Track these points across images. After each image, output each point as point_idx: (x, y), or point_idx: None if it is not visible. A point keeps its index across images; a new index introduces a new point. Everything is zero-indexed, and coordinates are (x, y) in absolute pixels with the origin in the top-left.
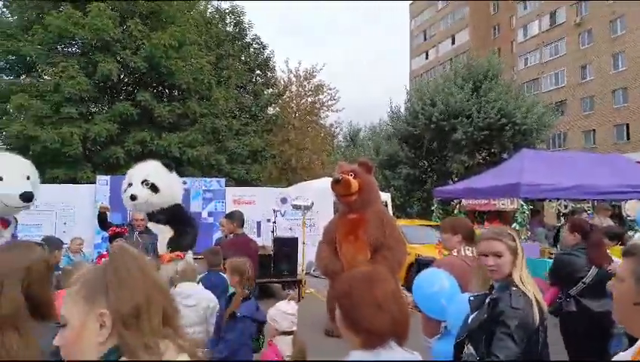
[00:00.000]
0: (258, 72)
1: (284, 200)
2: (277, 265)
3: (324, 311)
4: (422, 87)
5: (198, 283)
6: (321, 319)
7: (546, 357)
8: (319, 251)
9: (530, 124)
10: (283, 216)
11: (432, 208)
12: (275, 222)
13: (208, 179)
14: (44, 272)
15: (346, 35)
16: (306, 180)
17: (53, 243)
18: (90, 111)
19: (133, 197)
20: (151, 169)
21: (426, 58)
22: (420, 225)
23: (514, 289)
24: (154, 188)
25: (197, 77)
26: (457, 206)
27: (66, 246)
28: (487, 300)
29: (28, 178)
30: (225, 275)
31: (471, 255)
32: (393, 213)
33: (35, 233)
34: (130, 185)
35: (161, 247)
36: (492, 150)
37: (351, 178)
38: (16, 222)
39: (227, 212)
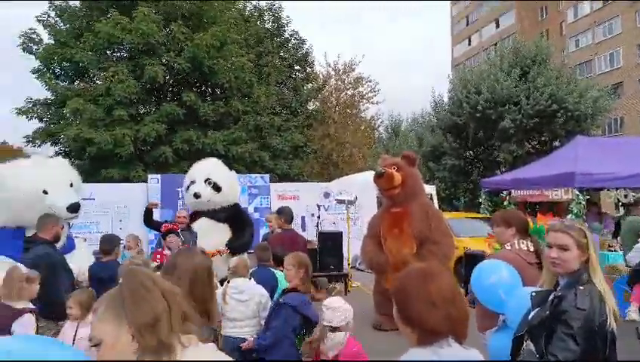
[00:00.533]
0: (297, 67)
1: (327, 195)
2: (322, 259)
3: (371, 305)
4: (465, 75)
5: (250, 278)
6: (368, 313)
7: (613, 357)
8: (364, 245)
9: (583, 109)
10: (327, 210)
11: (480, 200)
12: (319, 217)
13: (253, 176)
14: (207, 275)
15: (385, 25)
16: (347, 174)
17: (112, 240)
18: (139, 112)
19: (196, 196)
20: (213, 167)
21: (469, 44)
22: (467, 217)
23: (580, 288)
24: (216, 187)
25: (238, 75)
26: (507, 197)
27: (123, 243)
28: (551, 297)
29: (71, 185)
30: (275, 270)
31: (525, 248)
32: (438, 206)
33: (94, 230)
34: (193, 182)
35: (220, 246)
36: (542, 138)
37: (394, 171)
38: (69, 225)
39: (272, 207)
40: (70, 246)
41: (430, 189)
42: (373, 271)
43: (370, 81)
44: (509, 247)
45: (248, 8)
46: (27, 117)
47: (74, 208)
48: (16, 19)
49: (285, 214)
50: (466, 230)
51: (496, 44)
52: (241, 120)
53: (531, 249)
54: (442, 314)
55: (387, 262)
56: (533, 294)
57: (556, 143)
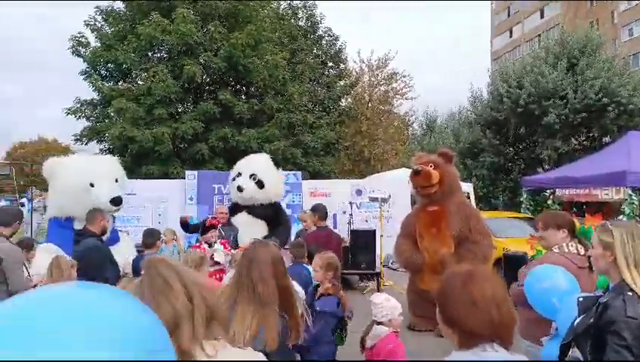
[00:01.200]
0: (330, 64)
1: (359, 192)
2: (354, 257)
3: (404, 304)
4: (506, 69)
5: None
6: (402, 312)
7: None
8: (398, 245)
9: (637, 102)
10: (359, 208)
11: (521, 199)
12: (351, 215)
13: (286, 173)
14: (282, 268)
15: (421, 18)
16: (379, 171)
17: (153, 234)
18: (177, 111)
19: (240, 189)
20: (261, 164)
21: (510, 36)
22: (506, 217)
23: (629, 294)
24: (260, 184)
25: (272, 73)
26: (551, 196)
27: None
28: (597, 303)
29: (116, 180)
30: (309, 267)
31: (575, 251)
32: (476, 205)
33: (135, 224)
34: (239, 175)
35: (251, 238)
36: (591, 134)
37: (431, 169)
38: (114, 218)
39: (303, 204)
40: (114, 239)
41: (467, 187)
42: (408, 270)
43: (404, 77)
44: (557, 250)
45: (282, 6)
46: (75, 116)
47: (116, 201)
48: (67, 25)
49: (320, 211)
50: (506, 230)
51: (539, 36)
52: (275, 117)
53: (582, 252)
54: (484, 317)
55: (424, 262)
56: (581, 299)
57: (606, 139)
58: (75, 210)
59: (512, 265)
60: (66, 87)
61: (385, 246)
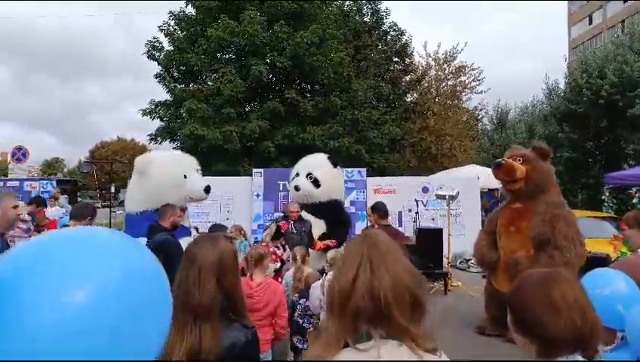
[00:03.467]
0: (396, 59)
1: (425, 190)
2: (420, 257)
3: (472, 306)
4: (586, 58)
5: None
6: (469, 315)
7: None
8: (478, 240)
9: None
10: (425, 206)
11: (602, 197)
12: (417, 212)
13: (350, 170)
14: (234, 264)
15: (491, 6)
16: (446, 168)
17: (220, 230)
18: (245, 110)
19: (297, 188)
20: (317, 163)
21: (590, 23)
22: (587, 216)
23: None
24: (316, 183)
25: (337, 70)
26: (637, 194)
27: (229, 232)
28: None
29: (197, 170)
30: None
31: None
32: None
33: (204, 220)
34: (297, 175)
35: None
36: None
37: (517, 163)
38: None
39: (368, 202)
40: (182, 233)
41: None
42: (482, 268)
43: (473, 70)
44: None
45: (347, 4)
46: (150, 117)
47: (208, 189)
48: (142, 31)
49: (379, 210)
50: (587, 230)
51: (623, 22)
52: (339, 114)
53: None
54: (566, 323)
55: (498, 261)
56: None
57: None
58: (170, 200)
59: (593, 268)
60: (143, 90)
61: (452, 246)
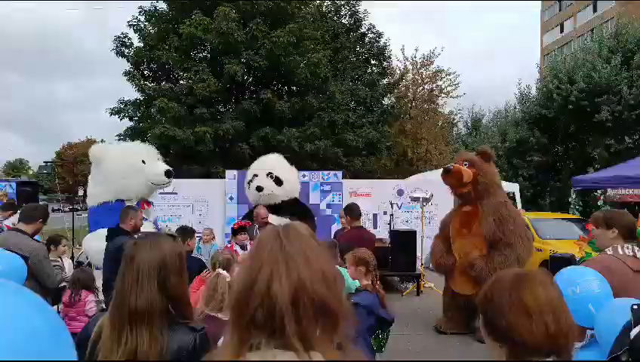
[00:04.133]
0: (374, 61)
1: (400, 192)
2: (394, 258)
3: (442, 307)
4: (557, 64)
5: None
6: (438, 314)
7: None
8: (433, 245)
9: None
10: (400, 208)
11: (569, 199)
12: (392, 215)
13: (326, 172)
14: (178, 265)
15: (468, 14)
16: (422, 171)
17: (186, 232)
18: (219, 111)
19: (259, 189)
20: (275, 162)
21: (561, 31)
22: (554, 218)
23: None
24: (278, 181)
25: (314, 72)
26: (601, 196)
27: (199, 236)
28: None
29: (158, 159)
30: (342, 268)
31: (631, 254)
32: (523, 206)
33: (177, 223)
34: (255, 176)
35: None
36: None
37: (464, 168)
38: (153, 205)
39: (344, 204)
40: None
41: (513, 188)
42: (438, 272)
43: (450, 74)
44: (610, 252)
45: (325, 4)
46: (119, 116)
47: (169, 173)
48: (113, 26)
49: (352, 211)
50: (553, 231)
51: (592, 30)
52: (316, 116)
53: (638, 255)
54: (538, 327)
55: (454, 264)
56: (635, 307)
57: None
58: (130, 188)
59: (559, 268)
60: (118, 90)
61: (426, 248)
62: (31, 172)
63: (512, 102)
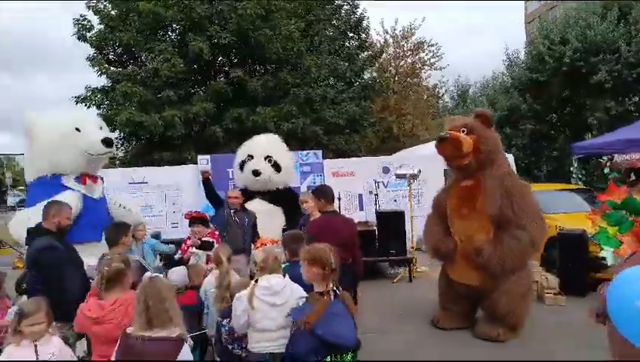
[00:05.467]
0: (351, 34)
1: (386, 170)
2: (382, 243)
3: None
4: (547, 24)
5: (284, 275)
6: (434, 303)
7: None
8: (427, 227)
9: None
10: (386, 187)
11: (571, 168)
12: (377, 195)
13: (305, 152)
14: None
15: None
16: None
17: (119, 228)
18: (188, 93)
19: (256, 173)
20: (274, 144)
21: None
22: (557, 189)
23: None
24: (277, 167)
25: (286, 46)
26: (608, 163)
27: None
28: None
29: (101, 128)
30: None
31: None
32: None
33: (149, 213)
34: (250, 157)
35: (276, 231)
36: None
37: (462, 135)
38: (103, 181)
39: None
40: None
41: (507, 158)
42: (437, 259)
43: (432, 46)
44: None
45: None
46: (85, 104)
47: (108, 142)
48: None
49: (325, 194)
50: (558, 205)
51: None
52: (291, 93)
53: None
54: None
55: (454, 249)
56: None
57: None
58: (63, 161)
59: (568, 245)
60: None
61: (416, 229)
62: (18, 167)
63: (500, 69)
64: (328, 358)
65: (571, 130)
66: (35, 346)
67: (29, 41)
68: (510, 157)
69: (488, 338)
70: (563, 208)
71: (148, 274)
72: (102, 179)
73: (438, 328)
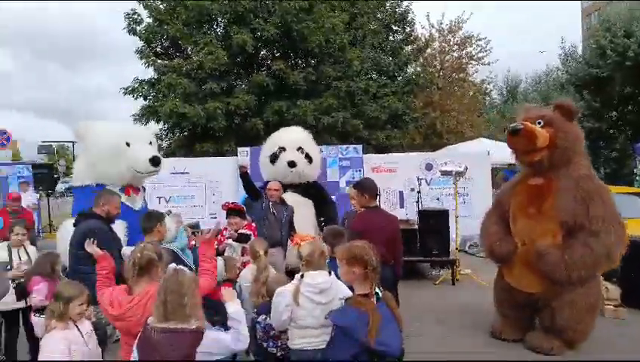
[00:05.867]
0: (395, 28)
1: (429, 167)
2: (424, 242)
3: (486, 299)
4: (609, 17)
5: (330, 273)
6: (482, 311)
7: None
8: (485, 226)
9: None
10: (429, 184)
11: (634, 170)
12: (419, 192)
13: (345, 146)
14: None
15: None
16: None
17: (151, 217)
18: (230, 85)
19: (292, 164)
20: (305, 137)
21: None
22: (620, 193)
23: None
24: (309, 158)
25: (329, 38)
26: None
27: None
28: None
29: (150, 143)
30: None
31: None
32: None
33: (189, 204)
34: (282, 149)
35: (308, 224)
36: None
37: (537, 127)
38: (144, 191)
39: None
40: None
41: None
42: (493, 260)
43: (480, 40)
44: None
45: None
46: (133, 96)
47: (155, 161)
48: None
49: (369, 189)
50: (625, 210)
51: None
52: (333, 87)
53: None
54: None
55: (514, 252)
56: None
57: None
58: (110, 173)
59: (631, 253)
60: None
61: (460, 229)
62: (71, 156)
63: (555, 63)
64: None
65: (633, 129)
66: (77, 326)
67: (82, 35)
68: None
69: (541, 351)
70: (625, 213)
71: (172, 266)
72: (144, 188)
73: (496, 338)
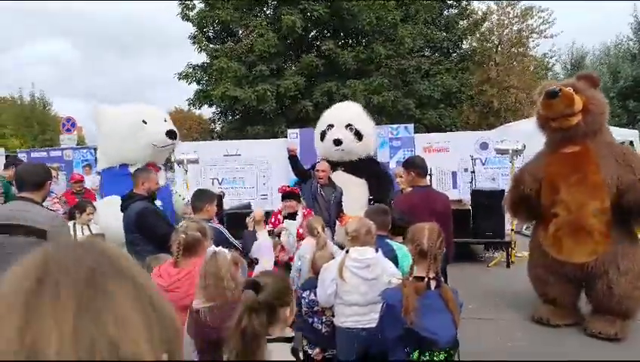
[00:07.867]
0: (450, 2)
1: (484, 146)
2: (477, 223)
3: None
4: None
5: (377, 249)
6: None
7: None
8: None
9: None
10: (484, 164)
11: None
12: (473, 172)
13: (395, 126)
14: None
15: None
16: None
17: (203, 196)
18: (280, 67)
19: (337, 142)
20: (355, 112)
21: None
22: None
23: None
24: (358, 135)
25: (380, 16)
26: None
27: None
28: None
29: (165, 120)
30: (392, 242)
31: None
32: None
33: (240, 185)
34: (330, 126)
35: (359, 205)
36: None
37: (572, 92)
38: (166, 171)
39: None
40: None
41: (632, 135)
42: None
43: (542, 11)
44: None
45: None
46: (187, 81)
47: (172, 134)
48: None
49: (417, 166)
50: None
51: None
52: (384, 65)
53: None
54: None
55: (556, 222)
56: None
57: None
58: (131, 152)
59: None
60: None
61: None
62: None
63: (625, 33)
64: (416, 354)
65: None
66: None
67: (138, 21)
68: (635, 134)
69: (605, 336)
70: None
71: (211, 249)
72: (163, 167)
73: (543, 324)
